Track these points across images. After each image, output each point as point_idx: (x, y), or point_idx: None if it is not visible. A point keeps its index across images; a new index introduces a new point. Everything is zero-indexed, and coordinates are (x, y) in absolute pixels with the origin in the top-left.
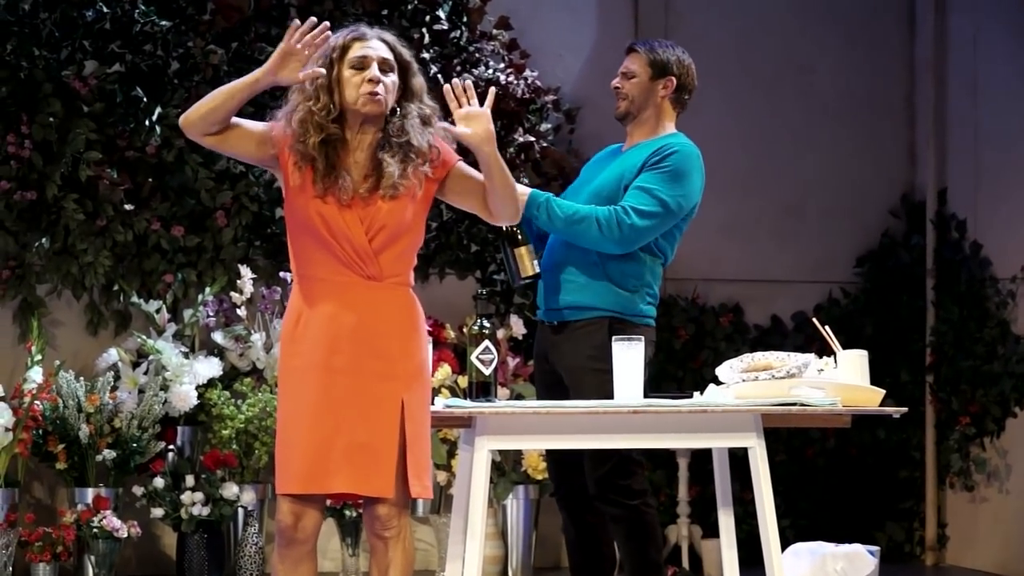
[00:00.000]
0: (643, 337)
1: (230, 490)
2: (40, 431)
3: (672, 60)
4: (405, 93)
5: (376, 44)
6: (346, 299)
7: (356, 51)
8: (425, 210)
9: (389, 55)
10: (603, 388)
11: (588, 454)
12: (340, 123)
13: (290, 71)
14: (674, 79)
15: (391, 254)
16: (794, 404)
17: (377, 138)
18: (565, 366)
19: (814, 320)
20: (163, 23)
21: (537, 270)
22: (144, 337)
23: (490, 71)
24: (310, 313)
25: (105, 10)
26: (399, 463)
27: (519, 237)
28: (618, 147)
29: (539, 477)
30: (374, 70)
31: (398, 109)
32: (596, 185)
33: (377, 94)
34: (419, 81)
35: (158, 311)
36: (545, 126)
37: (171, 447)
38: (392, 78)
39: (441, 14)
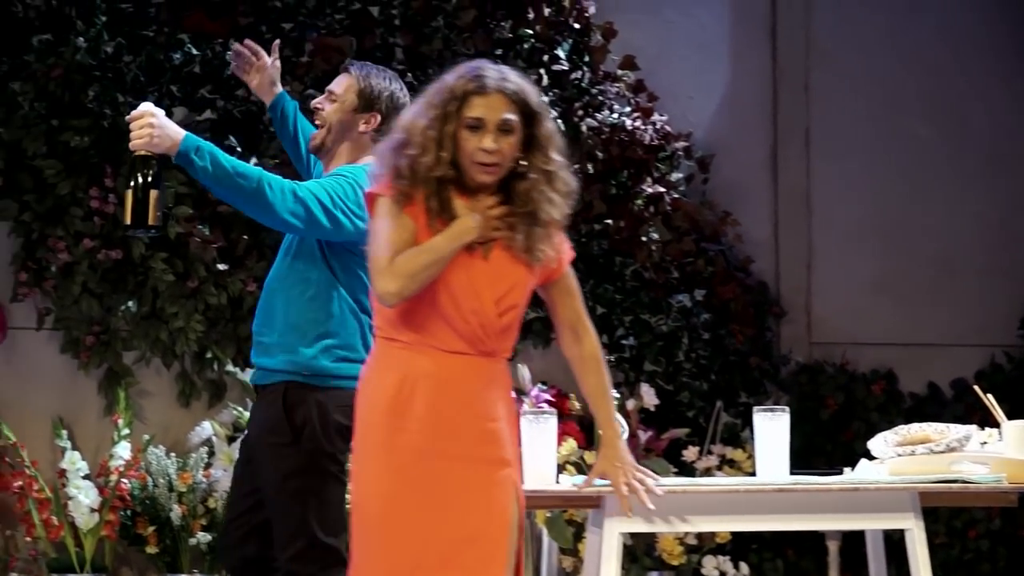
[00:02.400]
0: (787, 409)
1: None
2: (128, 512)
3: (383, 95)
4: (530, 145)
5: (495, 101)
6: (459, 375)
7: (473, 109)
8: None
9: (511, 114)
10: (280, 465)
11: (278, 526)
12: (456, 168)
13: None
14: (379, 116)
15: (512, 329)
16: (955, 481)
17: (498, 199)
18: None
19: (975, 388)
20: None
21: (155, 224)
22: (240, 409)
23: (615, 115)
24: (415, 384)
25: (194, 52)
26: (510, 555)
27: (150, 178)
28: None
29: (675, 562)
30: (488, 141)
31: (520, 163)
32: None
33: (489, 167)
34: (547, 129)
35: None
36: (676, 175)
37: None
38: (512, 139)
39: (561, 53)
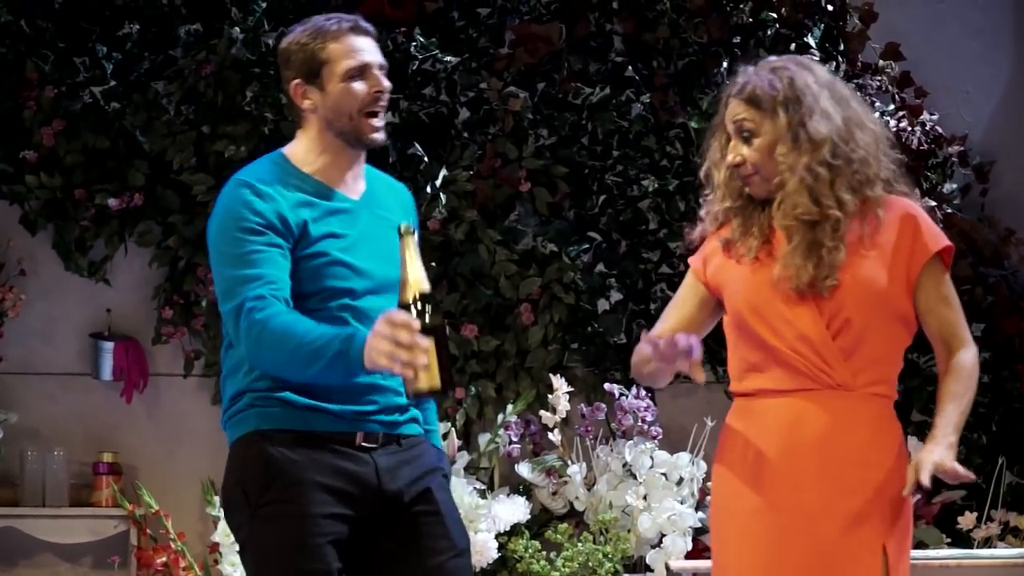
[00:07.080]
0: None
1: None
2: None
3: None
4: (795, 139)
5: (733, 107)
6: (803, 415)
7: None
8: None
9: (746, 112)
10: None
11: None
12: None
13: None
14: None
15: (866, 356)
16: None
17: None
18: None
19: None
20: (448, 59)
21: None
22: None
23: (876, 113)
24: (753, 437)
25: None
26: None
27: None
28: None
29: None
30: (730, 153)
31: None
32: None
33: (745, 178)
34: (783, 122)
35: (446, 436)
36: (949, 186)
37: None
38: (757, 143)
39: (811, 41)
